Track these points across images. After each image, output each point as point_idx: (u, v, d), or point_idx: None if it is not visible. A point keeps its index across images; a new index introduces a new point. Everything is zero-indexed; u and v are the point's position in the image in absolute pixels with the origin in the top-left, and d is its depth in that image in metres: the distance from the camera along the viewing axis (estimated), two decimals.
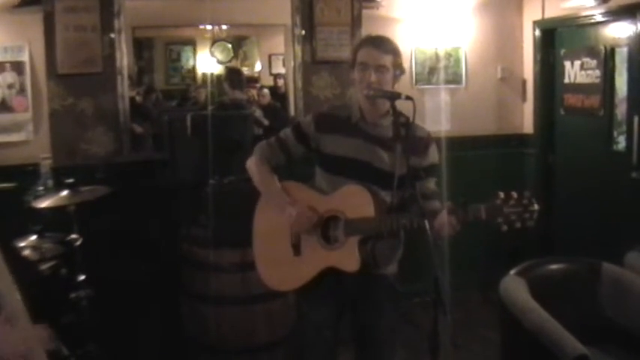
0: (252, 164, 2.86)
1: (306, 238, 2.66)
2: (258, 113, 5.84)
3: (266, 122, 5.79)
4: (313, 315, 2.77)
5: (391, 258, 2.74)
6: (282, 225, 2.70)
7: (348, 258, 2.55)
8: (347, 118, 2.70)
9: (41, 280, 3.45)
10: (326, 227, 2.64)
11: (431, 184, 2.69)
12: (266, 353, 3.98)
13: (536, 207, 2.23)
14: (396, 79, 2.66)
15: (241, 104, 5.04)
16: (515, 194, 2.25)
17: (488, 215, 2.31)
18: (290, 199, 2.71)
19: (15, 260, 2.77)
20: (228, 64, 6.85)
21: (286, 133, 2.81)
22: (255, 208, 2.89)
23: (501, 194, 2.27)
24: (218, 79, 6.84)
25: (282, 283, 2.81)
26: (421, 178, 2.61)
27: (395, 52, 2.66)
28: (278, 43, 6.40)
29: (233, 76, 5.31)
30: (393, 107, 2.57)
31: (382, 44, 2.65)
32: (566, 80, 5.08)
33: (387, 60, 2.61)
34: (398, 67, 2.65)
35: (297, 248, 2.69)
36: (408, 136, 2.52)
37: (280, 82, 6.95)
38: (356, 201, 2.57)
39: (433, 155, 2.71)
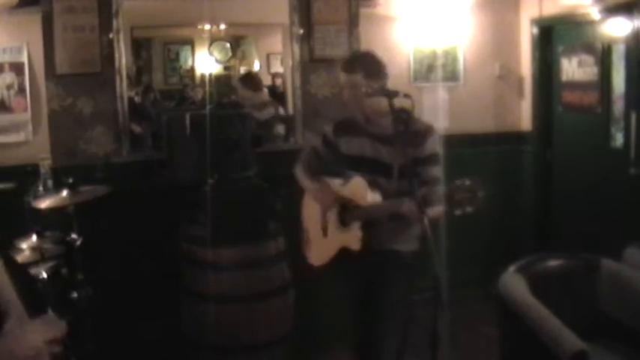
0: (298, 170, 3.41)
1: (331, 222, 3.19)
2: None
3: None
4: (343, 290, 3.24)
5: (396, 237, 3.06)
6: (316, 213, 3.27)
7: (353, 239, 3.02)
8: (356, 121, 3.15)
9: (36, 285, 3.44)
10: (343, 212, 3.12)
11: (431, 171, 2.99)
12: (266, 352, 3.99)
13: (481, 193, 2.43)
14: (376, 83, 2.98)
15: (240, 104, 5.05)
16: (467, 181, 2.45)
17: (443, 201, 2.54)
18: (315, 184, 3.29)
19: (10, 265, 2.78)
20: (227, 65, 6.85)
21: (317, 141, 3.37)
22: (302, 203, 3.45)
23: (456, 182, 2.47)
24: (217, 79, 6.83)
25: (315, 259, 3.34)
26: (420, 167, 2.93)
27: (364, 67, 3.01)
28: (276, 42, 6.38)
29: (247, 78, 5.64)
30: (391, 105, 2.87)
31: (349, 66, 3.07)
32: (564, 77, 5.10)
33: (355, 78, 3.01)
34: (373, 76, 3.00)
35: (325, 231, 3.23)
36: (406, 130, 2.89)
37: (278, 81, 6.95)
38: (359, 191, 3.01)
39: (432, 146, 3.03)
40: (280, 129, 5.39)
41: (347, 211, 3.10)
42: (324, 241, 3.25)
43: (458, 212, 2.45)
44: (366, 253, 3.00)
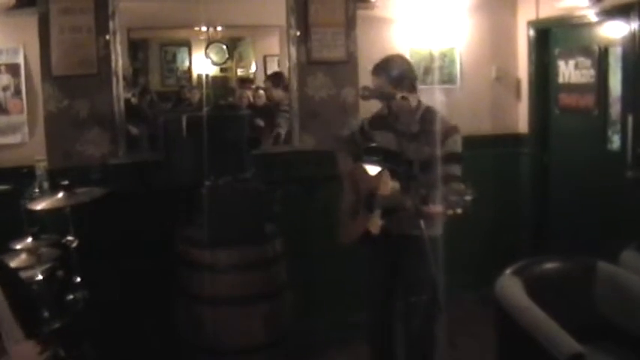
0: (337, 151, 3.78)
1: (361, 206, 3.48)
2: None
3: (262, 124, 5.80)
4: (368, 270, 3.63)
5: (415, 223, 3.11)
6: (351, 198, 3.60)
7: (374, 223, 3.30)
8: (386, 117, 3.50)
9: (33, 290, 3.43)
10: (370, 198, 3.37)
11: (450, 169, 3.24)
12: (263, 354, 3.98)
13: (469, 197, 2.60)
14: (404, 87, 3.32)
15: (237, 105, 5.05)
16: (458, 185, 2.69)
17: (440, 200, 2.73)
18: (347, 181, 3.65)
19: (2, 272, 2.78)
20: (223, 66, 6.86)
21: (354, 128, 3.92)
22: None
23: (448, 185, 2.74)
24: (214, 81, 6.83)
25: (344, 237, 3.63)
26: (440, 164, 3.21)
27: (386, 71, 3.37)
28: (273, 44, 6.39)
29: (276, 77, 5.81)
30: (427, 107, 3.36)
31: (374, 70, 3.43)
32: (561, 80, 5.10)
33: (380, 81, 3.37)
34: (397, 80, 3.32)
35: (356, 213, 3.52)
36: (430, 130, 3.21)
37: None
38: (384, 182, 3.25)
39: (452, 145, 3.30)
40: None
41: (373, 197, 3.35)
42: (354, 223, 3.55)
43: (449, 212, 2.63)
44: (387, 237, 3.32)
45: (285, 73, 5.19)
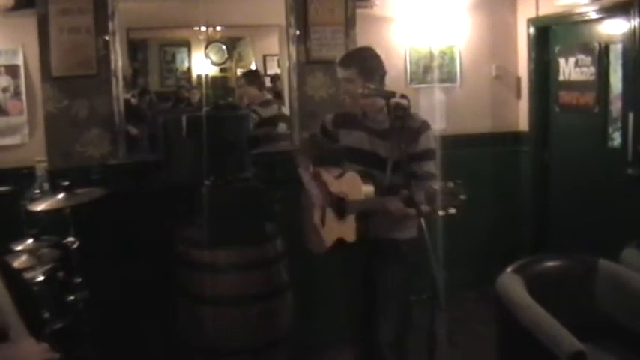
0: (297, 155, 3.64)
1: (329, 213, 3.34)
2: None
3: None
4: (342, 280, 3.47)
5: (392, 226, 3.13)
6: (318, 202, 3.44)
7: (349, 230, 3.13)
8: (354, 115, 3.29)
9: (34, 290, 3.43)
10: (340, 205, 3.23)
11: (425, 167, 3.07)
12: (264, 354, 3.98)
13: (463, 197, 2.47)
14: (375, 81, 3.13)
15: (236, 105, 5.05)
16: (450, 184, 2.48)
17: (427, 201, 2.56)
18: (313, 183, 3.46)
19: (6, 272, 2.78)
20: (223, 66, 6.87)
21: (317, 130, 3.53)
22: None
23: (439, 183, 2.54)
24: (213, 81, 6.83)
25: (315, 247, 3.51)
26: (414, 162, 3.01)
27: (358, 62, 3.17)
28: (272, 44, 6.38)
29: (250, 75, 5.88)
30: (388, 105, 2.99)
31: (344, 61, 3.25)
32: (561, 77, 5.10)
33: (350, 73, 3.17)
34: (368, 72, 3.13)
35: (323, 221, 3.39)
36: (402, 126, 2.94)
37: (279, 85, 6.99)
38: (353, 186, 3.12)
39: (426, 142, 3.12)
40: (283, 127, 5.44)
41: (343, 204, 3.20)
42: (323, 231, 3.41)
43: (441, 213, 2.49)
44: (363, 242, 3.12)
45: (285, 73, 5.19)
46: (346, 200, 3.18)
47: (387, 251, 3.20)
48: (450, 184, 2.48)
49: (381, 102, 3.10)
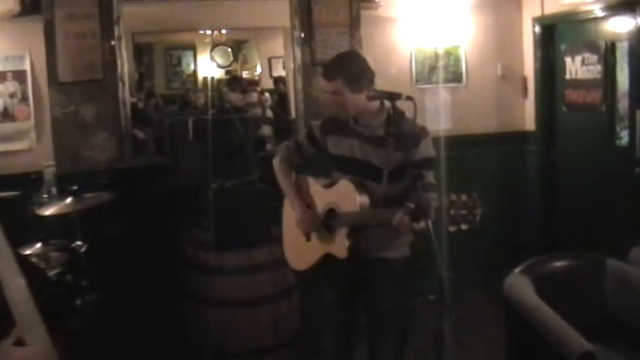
0: (275, 163, 3.22)
1: (315, 226, 3.04)
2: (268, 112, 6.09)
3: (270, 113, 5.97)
4: (326, 294, 3.11)
5: (386, 244, 2.92)
6: (304, 215, 3.11)
7: (339, 246, 2.88)
8: (346, 121, 2.95)
9: (50, 286, 3.44)
10: (329, 216, 2.97)
11: (427, 176, 2.83)
12: (271, 356, 3.98)
13: (479, 211, 2.33)
14: (364, 87, 2.82)
15: (242, 108, 5.08)
16: (464, 197, 2.34)
17: (437, 216, 2.42)
18: (297, 198, 3.13)
19: (25, 267, 2.79)
20: (229, 69, 6.91)
21: (302, 135, 3.18)
22: (284, 201, 3.30)
23: (452, 196, 2.36)
24: (218, 83, 6.86)
25: (297, 263, 3.23)
26: (413, 172, 2.71)
27: (342, 72, 2.83)
28: (277, 46, 6.40)
29: (232, 82, 6.04)
30: (394, 107, 2.76)
31: (326, 72, 2.91)
32: (567, 76, 5.08)
33: (335, 85, 2.85)
34: (354, 81, 2.82)
35: (307, 235, 3.08)
36: (398, 133, 2.73)
37: (281, 87, 7.03)
38: (346, 196, 2.87)
39: (425, 149, 2.85)
40: (267, 130, 5.53)
41: (334, 215, 2.95)
42: (307, 245, 3.09)
43: (452, 229, 2.35)
44: (353, 259, 2.85)
45: (290, 74, 5.20)
46: (335, 212, 2.93)
47: (379, 272, 2.95)
48: (464, 197, 2.32)
49: (375, 106, 2.88)
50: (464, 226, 2.33)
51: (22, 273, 2.20)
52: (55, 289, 3.49)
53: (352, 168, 2.92)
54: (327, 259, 2.96)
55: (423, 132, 2.87)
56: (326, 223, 2.99)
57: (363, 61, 2.93)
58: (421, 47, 5.22)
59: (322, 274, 3.09)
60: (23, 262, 2.72)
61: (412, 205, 2.52)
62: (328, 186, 3.04)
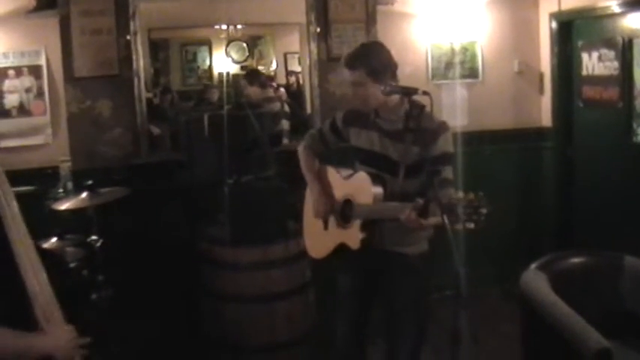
0: (300, 149, 3.26)
1: (332, 215, 3.09)
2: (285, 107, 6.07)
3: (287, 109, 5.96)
4: (340, 280, 3.16)
5: (402, 239, 2.89)
6: (322, 204, 3.14)
7: (353, 237, 2.90)
8: (367, 114, 2.97)
9: (70, 276, 3.47)
10: (346, 207, 3.00)
11: (444, 172, 2.78)
12: (286, 352, 3.99)
13: (485, 210, 2.26)
14: (386, 79, 2.80)
15: (258, 103, 5.08)
16: (472, 195, 2.28)
17: (444, 212, 2.34)
18: (316, 182, 3.16)
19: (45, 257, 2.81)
20: (244, 64, 6.91)
21: (325, 124, 3.23)
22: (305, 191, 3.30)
23: (460, 194, 2.31)
24: (234, 79, 6.87)
25: (314, 251, 3.28)
26: (430, 168, 2.66)
27: (365, 62, 2.82)
28: (293, 42, 6.41)
29: (251, 75, 5.88)
30: (411, 102, 2.83)
31: (349, 61, 2.89)
32: (584, 72, 5.03)
33: (357, 75, 2.84)
34: (377, 73, 2.81)
35: (325, 223, 3.13)
36: (417, 127, 2.76)
37: (292, 79, 7.02)
38: (362, 188, 2.88)
39: (444, 145, 2.82)
40: (285, 124, 5.51)
41: (350, 206, 2.97)
42: (324, 233, 3.14)
43: (457, 226, 2.30)
44: (366, 251, 2.87)
45: (306, 70, 5.20)
46: (352, 203, 2.95)
47: (394, 267, 2.96)
48: (471, 195, 2.28)
49: (395, 100, 2.85)
50: (470, 225, 2.28)
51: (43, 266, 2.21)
52: (71, 282, 3.51)
53: (371, 160, 2.94)
54: (343, 249, 2.98)
55: (442, 127, 2.85)
56: (343, 213, 3.02)
57: (386, 53, 2.91)
58: (437, 43, 5.20)
59: (337, 262, 3.13)
60: (43, 255, 2.74)
61: (421, 201, 2.51)
62: (347, 177, 3.06)
